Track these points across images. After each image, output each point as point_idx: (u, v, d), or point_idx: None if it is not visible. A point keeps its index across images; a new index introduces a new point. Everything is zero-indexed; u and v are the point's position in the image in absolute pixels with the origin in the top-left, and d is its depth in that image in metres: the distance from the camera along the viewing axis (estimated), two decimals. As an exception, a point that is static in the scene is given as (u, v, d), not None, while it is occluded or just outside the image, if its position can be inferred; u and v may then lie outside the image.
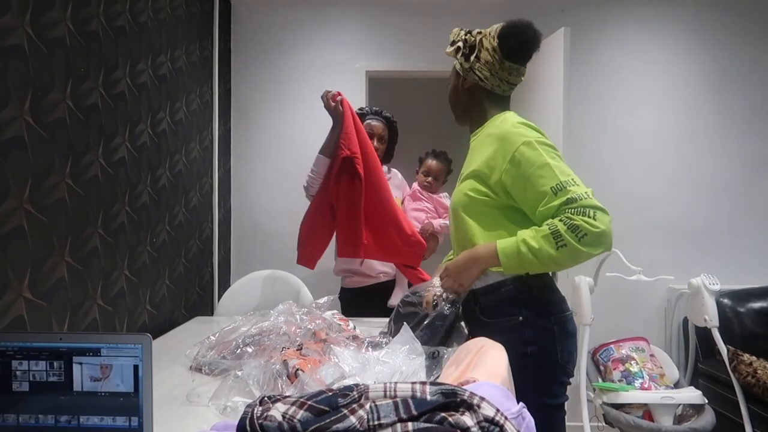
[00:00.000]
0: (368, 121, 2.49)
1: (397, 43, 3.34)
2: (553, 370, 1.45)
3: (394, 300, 2.53)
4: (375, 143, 2.40)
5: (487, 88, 1.57)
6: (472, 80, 1.58)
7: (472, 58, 1.55)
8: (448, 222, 2.87)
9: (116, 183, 1.92)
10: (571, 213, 1.32)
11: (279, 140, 3.38)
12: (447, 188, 2.78)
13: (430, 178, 2.78)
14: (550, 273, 1.52)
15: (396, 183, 2.76)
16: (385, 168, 2.60)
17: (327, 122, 2.38)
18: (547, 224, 1.35)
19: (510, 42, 1.50)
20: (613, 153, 3.37)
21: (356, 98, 3.27)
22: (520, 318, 1.44)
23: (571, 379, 1.49)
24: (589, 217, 1.31)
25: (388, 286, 2.66)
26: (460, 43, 1.57)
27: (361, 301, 2.59)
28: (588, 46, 3.35)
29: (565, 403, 1.49)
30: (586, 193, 1.34)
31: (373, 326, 2.08)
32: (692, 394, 2.53)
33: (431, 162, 2.80)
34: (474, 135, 1.63)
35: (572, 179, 1.37)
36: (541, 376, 1.43)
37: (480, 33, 1.56)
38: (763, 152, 3.35)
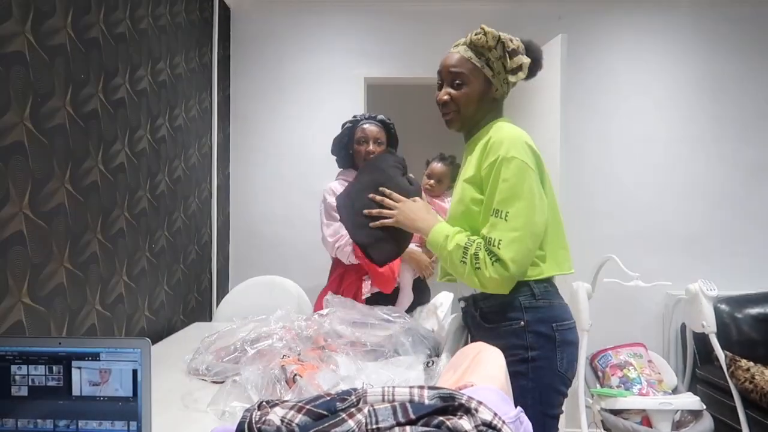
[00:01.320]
0: (362, 125, 2.49)
1: (396, 51, 3.36)
2: (553, 378, 1.43)
3: (400, 306, 2.51)
4: (371, 146, 2.40)
5: (497, 97, 1.56)
6: (502, 92, 1.55)
7: (507, 67, 1.51)
8: None
9: (115, 189, 1.93)
10: (486, 244, 1.40)
11: (277, 147, 3.39)
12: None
13: (432, 181, 2.77)
14: (553, 279, 1.51)
15: None
16: None
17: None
18: (470, 238, 1.44)
19: (538, 65, 1.54)
20: (610, 159, 3.39)
21: (355, 105, 3.29)
22: (522, 323, 1.42)
23: (568, 390, 1.48)
24: (491, 260, 1.38)
25: (393, 292, 2.64)
26: (500, 50, 1.49)
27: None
28: (585, 53, 3.38)
29: (561, 414, 1.48)
30: (500, 241, 1.37)
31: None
32: (690, 400, 2.53)
33: (435, 164, 2.80)
34: (471, 141, 1.61)
35: (509, 216, 1.38)
36: (540, 384, 1.41)
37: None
38: (760, 158, 3.36)
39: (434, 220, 1.58)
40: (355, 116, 2.55)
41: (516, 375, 1.26)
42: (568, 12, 3.37)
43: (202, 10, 2.92)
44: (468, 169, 1.53)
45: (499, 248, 1.36)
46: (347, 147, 2.43)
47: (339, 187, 2.37)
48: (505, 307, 1.45)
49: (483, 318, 1.51)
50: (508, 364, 1.26)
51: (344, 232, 2.26)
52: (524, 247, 1.37)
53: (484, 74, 1.51)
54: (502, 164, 1.39)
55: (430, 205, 1.70)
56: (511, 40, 1.50)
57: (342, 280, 2.37)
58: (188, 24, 2.70)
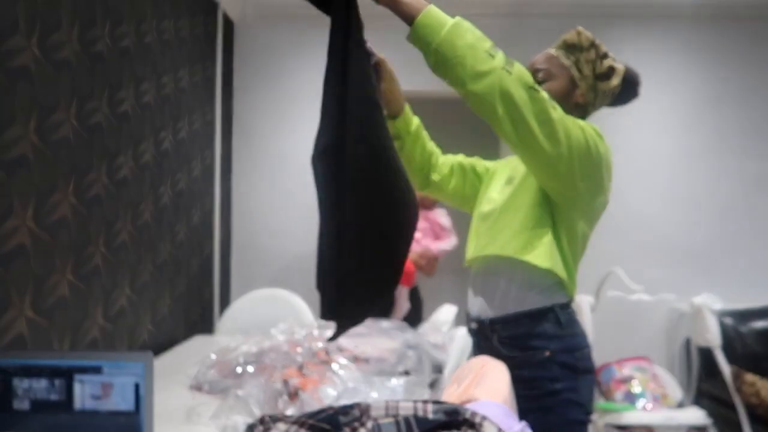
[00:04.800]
0: None
1: (400, 64, 3.37)
2: (579, 411, 1.33)
3: (396, 316, 2.51)
4: None
5: (581, 102, 1.44)
6: (588, 98, 1.42)
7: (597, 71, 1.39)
8: (447, 246, 2.85)
9: (119, 202, 1.93)
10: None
11: (280, 160, 3.40)
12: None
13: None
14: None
15: None
16: None
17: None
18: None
19: (632, 91, 1.46)
20: (613, 172, 3.38)
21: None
22: (547, 353, 1.31)
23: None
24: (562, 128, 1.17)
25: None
26: (592, 53, 1.40)
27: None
28: (587, 66, 3.39)
29: None
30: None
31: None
32: (695, 415, 2.51)
33: None
34: None
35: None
36: (569, 417, 1.31)
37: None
38: (763, 170, 3.36)
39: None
40: None
41: (542, 410, 1.20)
42: (570, 25, 3.38)
43: (205, 24, 2.94)
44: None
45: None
46: None
47: None
48: (528, 335, 1.32)
49: (501, 344, 1.36)
50: (531, 397, 1.21)
51: None
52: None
53: (571, 74, 1.40)
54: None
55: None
56: (606, 50, 1.41)
57: None
58: (192, 38, 2.72)
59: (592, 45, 1.41)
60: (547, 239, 1.30)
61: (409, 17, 1.10)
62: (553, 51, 1.43)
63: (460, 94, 1.11)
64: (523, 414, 1.08)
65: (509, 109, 1.10)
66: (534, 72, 1.39)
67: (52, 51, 1.54)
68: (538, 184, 1.31)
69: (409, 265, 2.31)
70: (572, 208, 1.31)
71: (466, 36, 1.08)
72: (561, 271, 1.30)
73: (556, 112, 1.15)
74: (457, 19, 1.10)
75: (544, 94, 1.14)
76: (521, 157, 1.24)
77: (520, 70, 1.13)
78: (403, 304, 2.53)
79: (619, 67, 1.43)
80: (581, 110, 1.44)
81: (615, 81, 1.42)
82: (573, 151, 1.18)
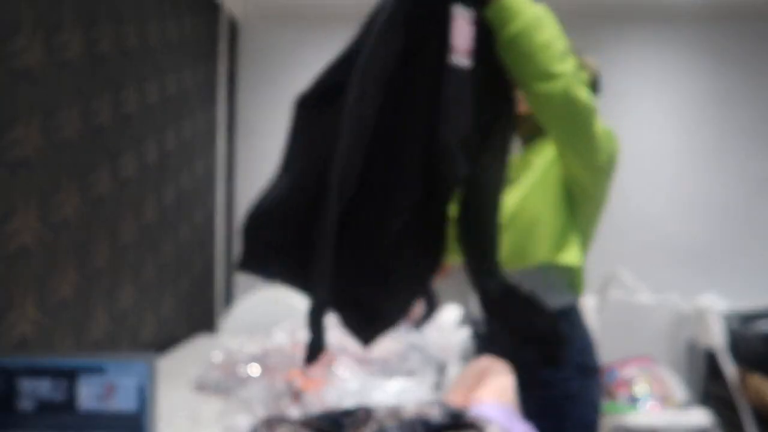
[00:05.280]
0: None
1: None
2: (592, 409, 1.35)
3: (411, 316, 2.49)
4: None
5: None
6: None
7: None
8: None
9: (122, 202, 1.93)
10: None
11: (284, 160, 3.40)
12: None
13: None
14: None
15: None
16: None
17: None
18: None
19: (595, 88, 1.45)
20: (617, 172, 3.37)
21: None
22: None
23: None
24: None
25: None
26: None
27: None
28: (590, 67, 3.38)
29: None
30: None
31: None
32: (700, 417, 2.50)
33: None
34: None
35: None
36: (585, 419, 1.32)
37: None
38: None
39: None
40: None
41: (557, 411, 1.20)
42: (572, 26, 3.37)
43: (209, 24, 2.95)
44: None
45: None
46: None
47: None
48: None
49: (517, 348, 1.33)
50: (546, 399, 1.21)
51: None
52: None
53: None
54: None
55: None
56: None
57: None
58: (195, 38, 2.72)
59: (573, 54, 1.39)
60: (574, 237, 1.29)
61: None
62: None
63: (520, 87, 1.03)
64: (539, 416, 1.07)
65: (570, 117, 1.05)
66: None
67: (56, 51, 1.54)
68: (562, 181, 1.27)
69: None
70: (593, 207, 1.31)
71: (546, 31, 0.98)
72: (583, 269, 1.30)
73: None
74: (542, 8, 1.00)
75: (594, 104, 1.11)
76: (567, 161, 1.21)
77: (583, 77, 1.10)
78: (418, 305, 2.53)
79: (587, 61, 1.43)
80: None
81: (584, 75, 1.39)
82: (612, 158, 1.22)
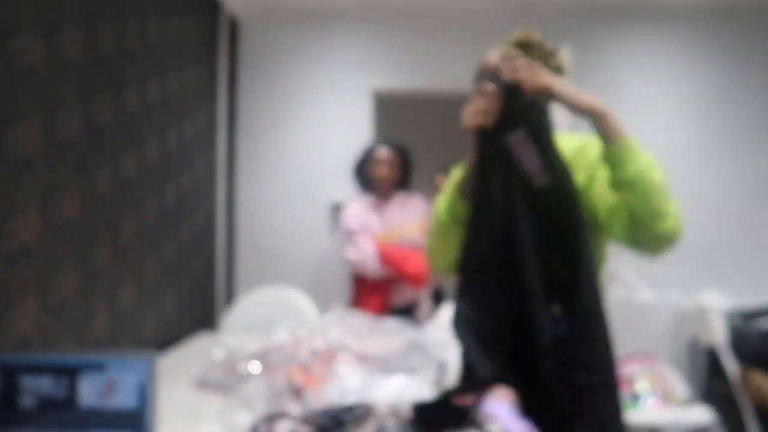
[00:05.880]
0: (375, 148, 2.52)
1: (405, 63, 3.36)
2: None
3: (420, 316, 2.49)
4: (383, 170, 2.43)
5: None
6: None
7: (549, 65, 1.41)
8: None
9: (124, 201, 1.94)
10: None
11: (285, 159, 3.40)
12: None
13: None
14: None
15: (415, 209, 2.66)
16: (403, 194, 2.59)
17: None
18: None
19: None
20: (618, 171, 3.37)
21: (363, 117, 3.30)
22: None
23: None
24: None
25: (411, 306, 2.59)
26: (543, 48, 1.41)
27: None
28: (591, 64, 3.38)
29: None
30: None
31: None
32: (701, 414, 2.50)
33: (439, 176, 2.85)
34: None
35: None
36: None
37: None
38: (769, 169, 3.35)
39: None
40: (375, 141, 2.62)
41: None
42: (573, 23, 3.37)
43: (210, 23, 2.95)
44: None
45: None
46: (363, 170, 2.49)
47: (359, 208, 2.42)
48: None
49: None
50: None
51: (366, 249, 2.29)
52: None
53: None
54: None
55: None
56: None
57: (371, 292, 2.40)
58: (196, 37, 2.73)
59: (541, 42, 1.39)
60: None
61: (615, 132, 1.15)
62: (508, 52, 1.36)
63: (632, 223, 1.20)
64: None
65: (671, 236, 1.25)
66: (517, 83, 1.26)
67: (57, 51, 1.54)
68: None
69: (425, 268, 2.32)
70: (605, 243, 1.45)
71: (659, 171, 1.18)
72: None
73: None
74: (649, 153, 1.17)
75: None
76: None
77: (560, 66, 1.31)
78: (426, 305, 2.53)
79: (563, 62, 1.42)
80: None
81: (564, 74, 1.41)
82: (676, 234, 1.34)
